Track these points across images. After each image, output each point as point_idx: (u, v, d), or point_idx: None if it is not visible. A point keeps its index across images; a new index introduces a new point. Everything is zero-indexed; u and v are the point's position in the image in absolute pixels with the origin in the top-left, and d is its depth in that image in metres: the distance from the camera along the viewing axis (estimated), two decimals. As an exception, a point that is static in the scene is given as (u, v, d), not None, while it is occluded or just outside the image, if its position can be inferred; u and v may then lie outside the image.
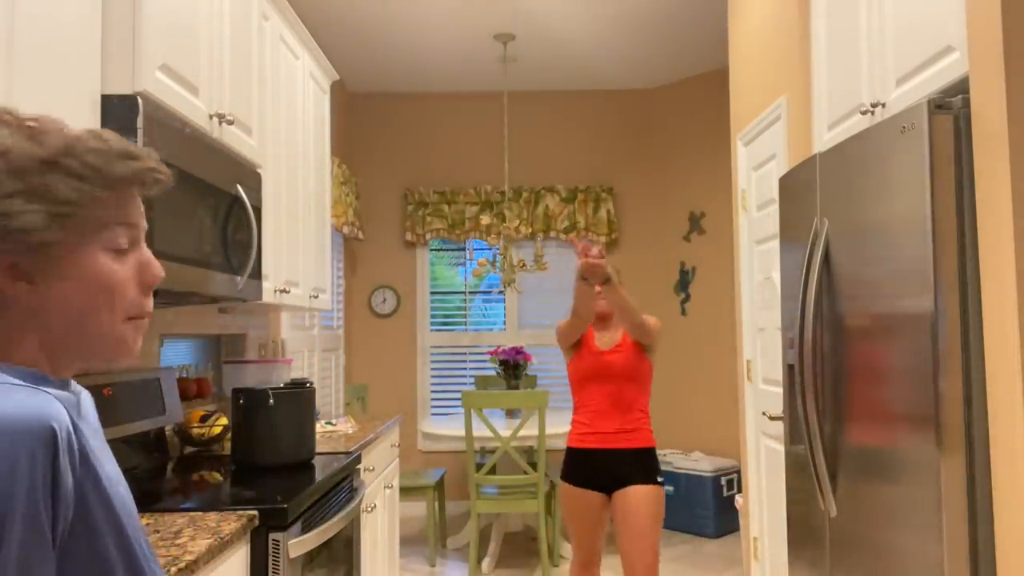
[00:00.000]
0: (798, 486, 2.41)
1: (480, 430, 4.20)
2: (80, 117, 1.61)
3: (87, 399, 0.90)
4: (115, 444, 2.09)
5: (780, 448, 2.93)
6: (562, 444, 5.75)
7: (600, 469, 2.75)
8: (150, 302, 0.86)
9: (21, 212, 0.75)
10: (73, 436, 0.74)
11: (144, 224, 0.86)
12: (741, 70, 3.55)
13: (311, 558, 2.01)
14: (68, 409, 0.77)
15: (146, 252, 0.86)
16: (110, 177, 0.80)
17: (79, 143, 0.79)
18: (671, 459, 5.15)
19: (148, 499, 1.89)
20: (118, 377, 2.17)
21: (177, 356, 2.79)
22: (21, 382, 0.77)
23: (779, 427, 2.94)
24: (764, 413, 3.01)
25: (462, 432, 4.20)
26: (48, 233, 0.77)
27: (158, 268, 0.86)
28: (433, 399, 5.89)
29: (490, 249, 5.83)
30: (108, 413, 2.08)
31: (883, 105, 2.10)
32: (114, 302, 0.81)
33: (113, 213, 0.81)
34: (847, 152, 2.06)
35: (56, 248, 0.78)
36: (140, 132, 1.70)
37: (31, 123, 0.79)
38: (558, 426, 4.30)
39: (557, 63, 5.36)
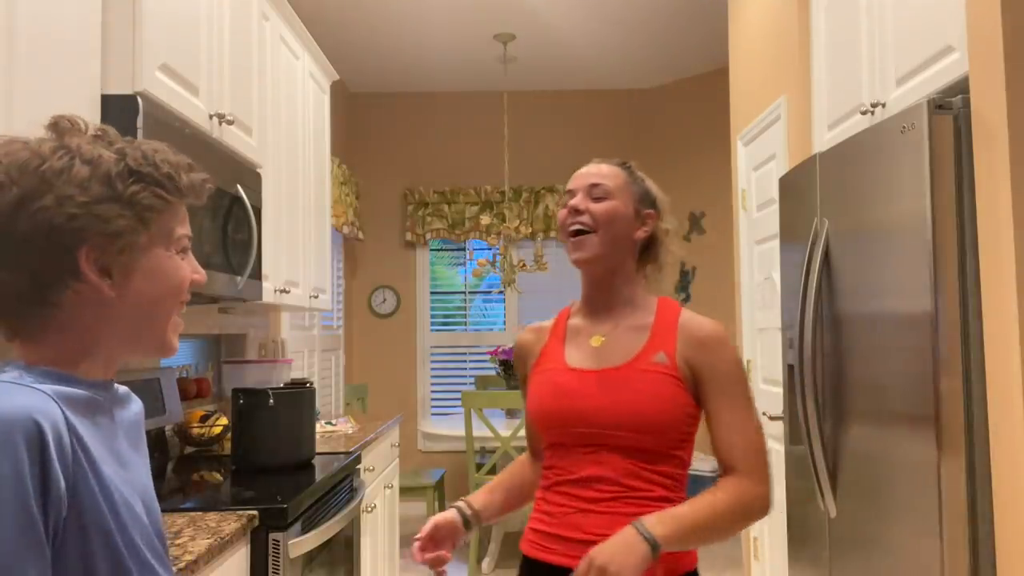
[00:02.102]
0: (798, 486, 2.41)
1: (480, 430, 4.20)
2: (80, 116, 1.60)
3: (127, 400, 0.95)
4: (115, 444, 2.09)
5: (780, 448, 2.92)
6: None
7: None
8: (190, 296, 0.94)
9: (115, 217, 0.82)
10: (66, 435, 0.74)
11: (191, 232, 0.94)
12: (741, 70, 3.55)
13: (311, 558, 2.01)
14: (72, 407, 0.78)
15: (193, 259, 0.94)
16: (180, 187, 0.88)
17: (154, 155, 0.87)
18: (671, 459, 5.14)
19: (148, 499, 1.89)
20: (118, 377, 2.17)
21: (177, 356, 2.79)
22: (29, 381, 0.78)
23: (779, 427, 2.94)
24: (764, 413, 3.01)
25: (462, 432, 4.20)
26: (135, 236, 0.84)
27: (203, 274, 0.94)
28: (433, 399, 5.89)
29: (490, 249, 5.82)
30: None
31: (883, 105, 2.10)
32: (180, 295, 0.90)
33: (177, 219, 0.90)
34: (847, 152, 2.06)
35: (137, 249, 0.85)
36: (140, 132, 1.70)
37: (99, 132, 0.88)
38: (558, 426, 4.29)
39: (557, 63, 5.35)
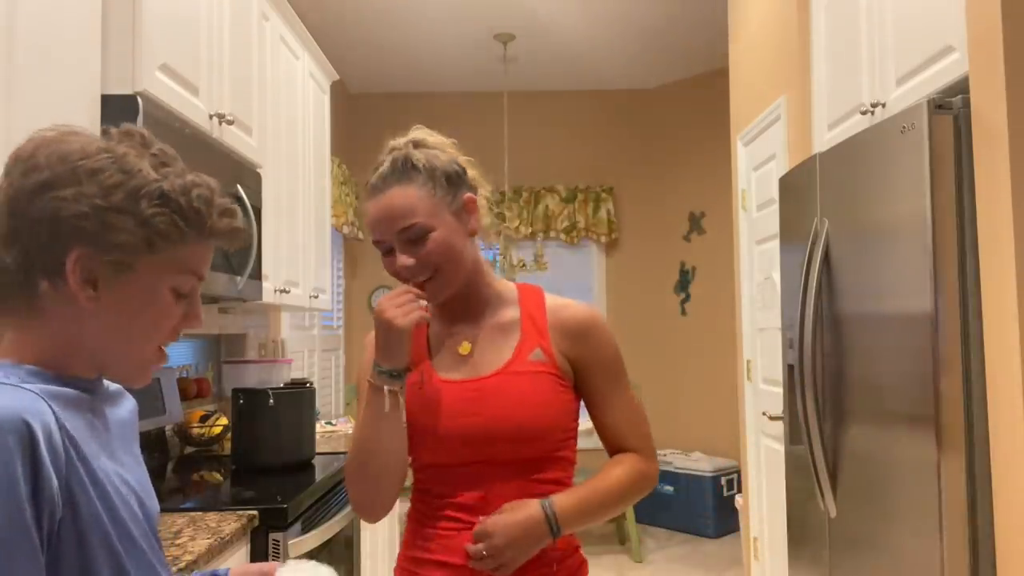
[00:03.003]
0: (798, 486, 2.41)
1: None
2: (80, 117, 1.61)
3: (119, 398, 0.96)
4: (115, 444, 2.09)
5: (780, 448, 2.92)
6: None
7: None
8: (177, 337, 0.90)
9: (122, 230, 0.81)
10: (56, 434, 0.74)
11: (206, 276, 0.91)
12: (741, 70, 3.55)
13: (311, 558, 2.00)
14: (62, 406, 0.78)
15: (197, 303, 0.90)
16: (207, 227, 0.86)
17: (194, 188, 0.85)
18: (671, 459, 5.15)
19: (148, 499, 1.89)
20: (118, 377, 2.17)
21: (177, 356, 2.79)
22: (16, 380, 0.78)
23: (779, 427, 2.93)
24: (764, 413, 3.01)
25: (462, 432, 4.19)
26: (133, 256, 0.82)
27: (198, 322, 0.90)
28: (433, 399, 5.88)
29: (490, 249, 5.82)
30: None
31: (883, 105, 2.10)
32: (152, 335, 0.86)
33: (192, 259, 0.87)
34: (847, 152, 2.06)
35: (132, 271, 0.83)
36: (140, 132, 1.70)
37: (158, 152, 0.86)
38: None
39: (557, 63, 5.35)
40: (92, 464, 0.79)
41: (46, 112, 1.49)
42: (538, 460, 1.23)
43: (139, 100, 1.72)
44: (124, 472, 0.86)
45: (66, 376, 0.84)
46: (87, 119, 1.64)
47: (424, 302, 1.18)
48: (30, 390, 0.76)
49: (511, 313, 1.28)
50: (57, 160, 0.81)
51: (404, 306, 1.16)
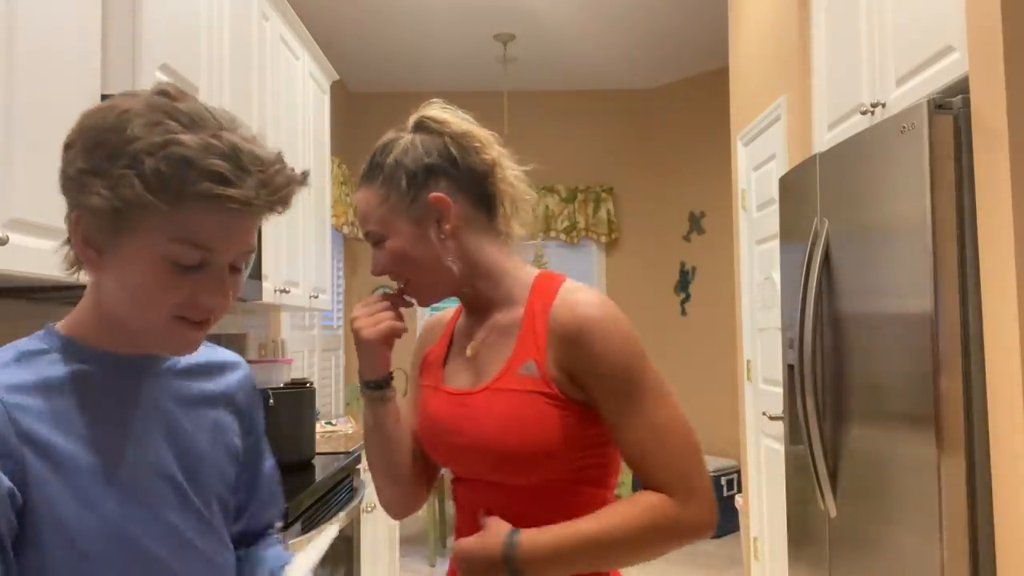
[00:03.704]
0: (798, 486, 2.41)
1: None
2: (80, 117, 1.61)
3: (207, 373, 0.96)
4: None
5: (780, 448, 2.92)
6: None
7: None
8: (205, 314, 0.84)
9: (91, 192, 0.78)
10: (4, 414, 0.77)
11: (238, 248, 0.83)
12: (741, 70, 3.55)
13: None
14: (26, 393, 0.79)
15: (215, 278, 0.82)
16: (176, 191, 0.77)
17: (171, 147, 0.77)
18: (671, 459, 5.14)
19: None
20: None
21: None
22: (24, 348, 0.83)
23: (779, 427, 2.93)
24: (764, 413, 3.01)
25: (462, 432, 4.19)
26: (105, 219, 0.79)
27: (210, 304, 0.83)
28: (433, 399, 5.88)
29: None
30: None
31: (883, 105, 2.10)
32: (155, 306, 0.82)
33: (189, 228, 0.79)
34: (847, 152, 2.06)
35: (122, 235, 0.80)
36: (140, 132, 1.70)
37: (173, 108, 0.80)
38: (558, 426, 4.29)
39: (557, 63, 5.35)
40: (55, 449, 0.79)
41: (46, 112, 1.49)
42: (542, 489, 1.05)
43: (139, 100, 1.71)
44: (137, 450, 0.85)
45: (86, 347, 0.86)
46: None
47: (399, 311, 1.13)
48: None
49: (515, 314, 1.10)
50: (77, 126, 0.83)
51: (375, 315, 1.10)
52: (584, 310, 1.04)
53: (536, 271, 1.14)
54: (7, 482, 0.75)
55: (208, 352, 1.00)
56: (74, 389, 0.83)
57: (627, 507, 1.00)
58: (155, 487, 0.86)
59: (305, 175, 0.87)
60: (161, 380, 0.91)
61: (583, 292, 1.07)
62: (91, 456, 0.82)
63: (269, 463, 1.08)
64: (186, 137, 0.77)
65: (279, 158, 0.83)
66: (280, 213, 0.85)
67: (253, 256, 0.88)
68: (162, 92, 0.82)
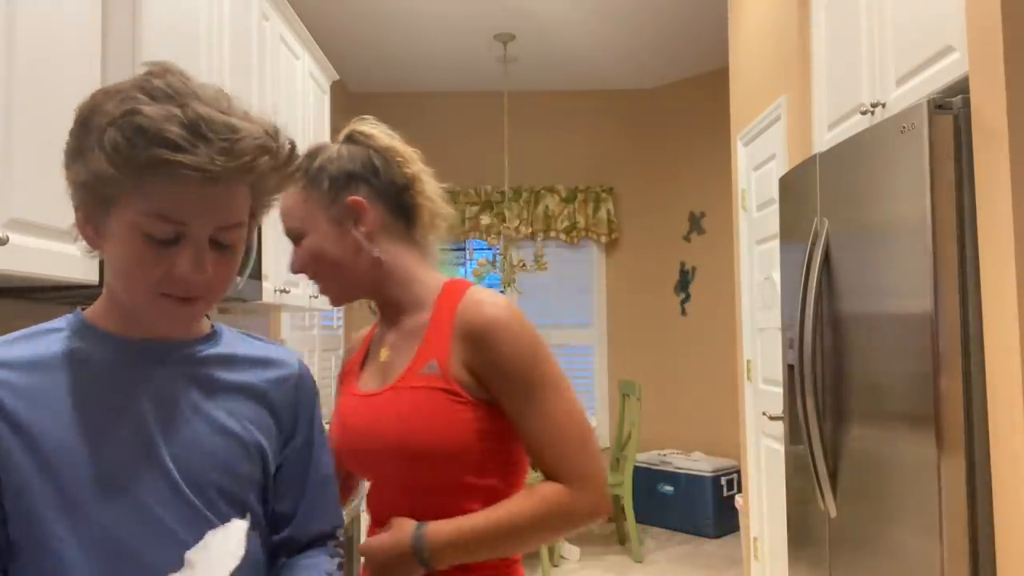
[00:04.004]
0: (798, 486, 2.41)
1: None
2: (80, 117, 1.61)
3: (210, 362, 0.93)
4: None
5: (780, 448, 2.92)
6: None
7: None
8: (185, 290, 0.83)
9: (71, 168, 0.82)
10: None
11: (213, 221, 0.82)
12: (741, 70, 3.55)
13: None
14: (18, 370, 0.82)
15: (192, 253, 0.81)
16: (133, 161, 0.77)
17: (127, 116, 0.77)
18: (671, 459, 5.15)
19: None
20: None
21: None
22: (43, 326, 0.88)
23: (779, 427, 2.94)
24: (764, 413, 3.01)
25: (462, 432, 4.19)
26: (88, 196, 0.82)
27: (185, 277, 0.82)
28: (433, 399, 5.88)
29: (490, 249, 5.83)
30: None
31: (883, 105, 2.10)
32: (138, 282, 0.82)
33: (157, 201, 0.79)
34: (847, 152, 2.06)
35: (109, 212, 0.81)
36: (140, 132, 1.70)
37: (151, 83, 0.80)
38: (558, 426, 4.29)
39: (557, 63, 5.35)
40: (25, 429, 0.81)
41: (46, 112, 1.49)
42: (442, 487, 1.08)
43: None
44: (128, 432, 0.85)
45: (97, 328, 0.88)
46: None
47: None
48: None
49: (423, 317, 1.16)
50: (76, 110, 0.84)
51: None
52: (490, 311, 1.10)
53: (445, 278, 1.20)
54: None
55: (257, 346, 0.99)
56: (66, 368, 0.84)
57: (524, 497, 1.07)
58: (137, 471, 0.84)
59: (291, 148, 0.87)
60: (177, 366, 0.90)
61: (488, 295, 1.13)
62: (69, 435, 0.82)
63: (320, 472, 1.01)
64: (148, 108, 0.78)
65: (258, 130, 0.82)
66: (248, 181, 0.84)
67: (242, 233, 0.86)
68: (148, 71, 0.83)
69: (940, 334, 1.67)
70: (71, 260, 1.56)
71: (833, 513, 2.14)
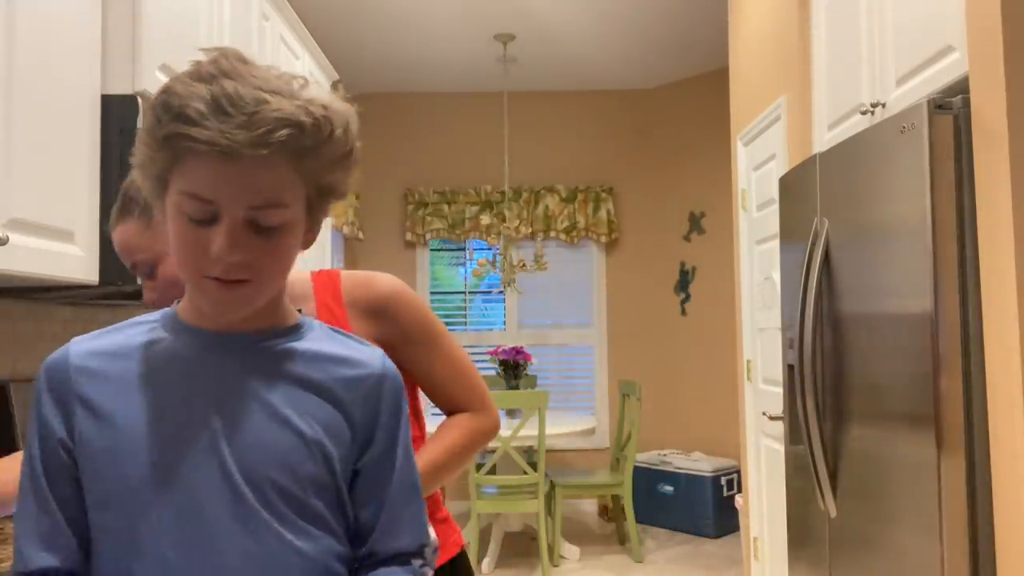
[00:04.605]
0: (798, 486, 2.41)
1: (480, 430, 4.19)
2: (80, 117, 1.60)
3: (282, 356, 0.90)
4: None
5: (780, 448, 2.93)
6: (562, 444, 5.76)
7: None
8: (225, 271, 0.82)
9: (134, 156, 0.84)
10: (57, 378, 0.86)
11: (242, 199, 0.80)
12: (741, 70, 3.55)
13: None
14: (97, 358, 0.87)
15: (222, 233, 0.80)
16: (156, 138, 0.79)
17: (160, 95, 0.79)
18: (671, 459, 5.15)
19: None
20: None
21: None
22: (140, 318, 0.92)
23: (779, 427, 2.94)
24: (764, 413, 3.01)
25: (462, 432, 4.19)
26: (144, 183, 0.85)
27: (218, 256, 0.80)
28: (433, 399, 5.88)
29: (490, 249, 5.83)
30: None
31: (883, 105, 2.10)
32: (185, 264, 0.83)
33: (180, 180, 0.80)
34: (847, 152, 2.06)
35: (160, 195, 0.84)
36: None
37: (206, 65, 0.80)
38: (558, 426, 4.30)
39: (557, 63, 5.35)
40: (94, 411, 0.85)
41: (46, 112, 1.49)
42: None
43: (139, 100, 1.72)
44: (191, 418, 0.85)
45: (184, 323, 0.90)
46: (87, 119, 1.63)
47: None
48: (71, 344, 0.89)
49: (308, 307, 1.22)
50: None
51: None
52: (382, 285, 1.24)
53: (308, 271, 1.29)
54: (60, 431, 0.85)
55: (342, 343, 0.95)
56: (143, 358, 0.88)
57: (453, 431, 1.26)
58: (195, 462, 0.83)
59: (333, 129, 0.83)
60: (250, 358, 0.88)
61: (365, 273, 1.25)
62: (138, 423, 0.84)
63: (404, 484, 0.95)
64: (181, 87, 0.78)
65: (288, 106, 0.79)
66: (269, 156, 0.79)
67: (286, 216, 0.82)
68: (206, 54, 0.82)
69: (940, 334, 1.67)
70: (71, 260, 1.56)
71: (833, 513, 2.14)
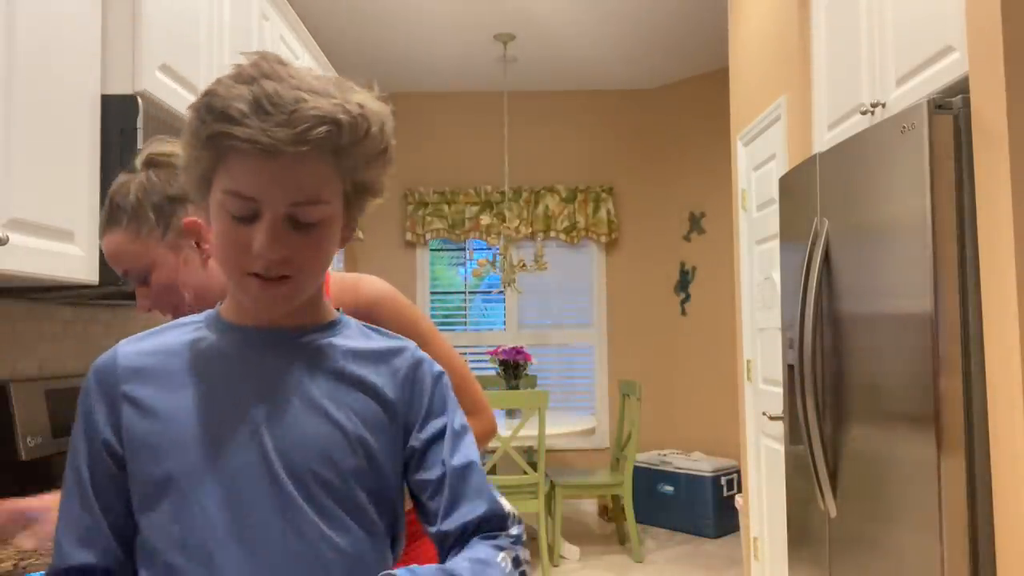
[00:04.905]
0: (798, 486, 2.41)
1: (480, 430, 4.19)
2: (80, 117, 1.61)
3: (312, 353, 0.91)
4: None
5: (780, 448, 2.93)
6: (562, 444, 5.76)
7: None
8: (266, 267, 0.83)
9: (185, 149, 0.86)
10: (106, 379, 0.88)
11: (282, 196, 0.81)
12: (741, 70, 3.55)
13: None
14: (144, 357, 0.89)
15: (262, 230, 0.82)
16: (199, 138, 0.82)
17: (207, 97, 0.81)
18: (671, 459, 5.15)
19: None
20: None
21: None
22: (187, 319, 0.94)
23: (779, 427, 2.94)
24: (764, 413, 3.01)
25: (462, 432, 4.19)
26: (189, 185, 0.87)
27: (259, 252, 0.82)
28: (433, 399, 5.88)
29: (490, 249, 5.82)
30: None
31: (883, 105, 2.10)
32: (224, 263, 0.85)
33: (223, 179, 0.82)
34: (847, 152, 2.06)
35: (203, 197, 0.86)
36: (140, 132, 1.70)
37: (244, 69, 0.82)
38: (558, 426, 4.30)
39: (557, 63, 5.35)
40: (140, 410, 0.87)
41: (46, 112, 1.49)
42: None
43: (139, 100, 1.72)
44: (235, 413, 0.86)
45: (219, 318, 0.92)
46: (87, 119, 1.63)
47: None
48: (119, 346, 0.91)
49: None
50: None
51: None
52: (368, 290, 1.24)
53: None
54: (106, 432, 0.87)
55: (376, 340, 0.97)
56: (188, 355, 0.90)
57: None
58: (238, 456, 0.85)
59: (370, 127, 0.84)
60: (291, 354, 0.90)
61: (351, 277, 1.24)
62: (183, 418, 0.86)
63: (458, 463, 0.94)
64: (223, 89, 0.81)
65: (326, 104, 0.81)
66: (308, 153, 0.81)
67: (326, 212, 0.85)
68: (246, 58, 0.85)
69: (940, 334, 1.67)
70: (71, 260, 1.56)
71: (833, 513, 2.14)
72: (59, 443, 1.86)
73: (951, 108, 1.69)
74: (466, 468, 0.94)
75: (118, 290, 1.73)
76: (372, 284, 1.24)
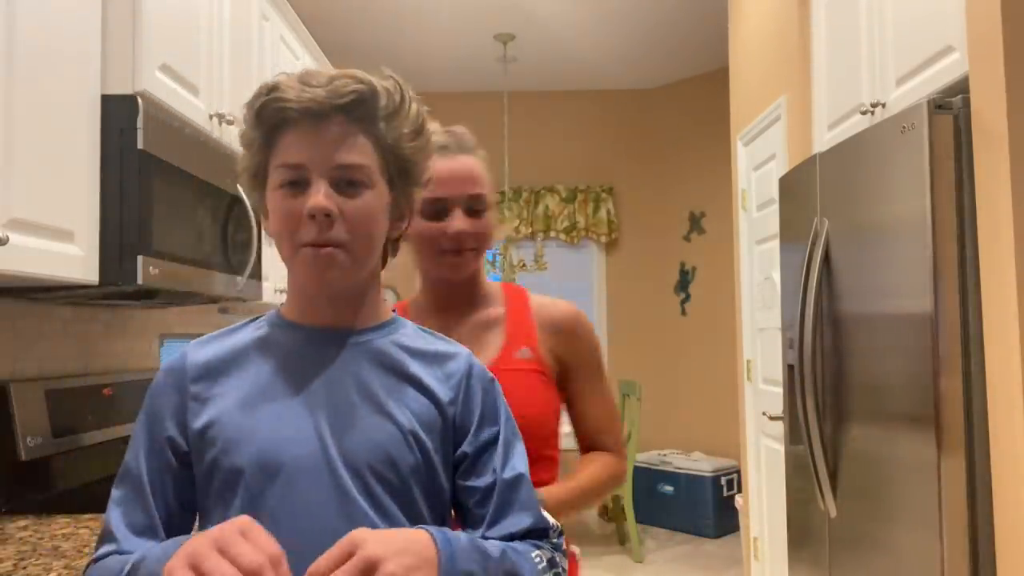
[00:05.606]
0: (798, 486, 2.41)
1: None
2: (80, 117, 1.61)
3: (372, 354, 0.94)
4: (116, 444, 2.09)
5: (780, 448, 2.93)
6: (562, 444, 5.74)
7: None
8: (315, 232, 0.87)
9: (241, 159, 0.94)
10: (174, 379, 0.92)
11: (324, 160, 0.88)
12: (741, 70, 3.55)
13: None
14: (211, 358, 0.93)
15: (309, 193, 0.88)
16: (254, 111, 0.89)
17: (258, 88, 0.90)
18: (671, 459, 5.15)
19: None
20: (118, 377, 2.17)
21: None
22: (252, 320, 0.98)
23: (779, 427, 2.94)
24: (764, 413, 3.01)
25: (462, 432, 4.19)
26: (244, 179, 0.94)
27: (312, 222, 0.87)
28: (433, 399, 5.88)
29: (490, 249, 5.82)
30: (108, 413, 2.08)
31: (883, 105, 2.10)
32: (284, 233, 0.89)
33: (275, 156, 0.89)
34: (847, 152, 2.06)
35: (261, 189, 0.92)
36: (140, 132, 1.70)
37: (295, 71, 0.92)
38: (558, 426, 4.29)
39: (557, 63, 5.35)
40: (208, 410, 0.90)
41: (46, 112, 1.49)
42: (530, 458, 1.07)
43: (139, 100, 1.72)
44: (297, 407, 0.89)
45: (281, 318, 0.96)
46: (87, 119, 1.63)
47: None
48: (186, 349, 0.95)
49: (496, 311, 1.29)
50: None
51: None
52: (567, 308, 1.32)
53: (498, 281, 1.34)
54: (171, 429, 0.90)
55: (431, 341, 0.99)
56: (251, 354, 0.94)
57: (590, 464, 1.29)
58: (299, 452, 0.87)
59: (403, 101, 0.93)
60: (349, 351, 0.93)
61: (553, 297, 1.33)
62: (245, 412, 0.89)
63: (508, 474, 0.95)
64: (271, 79, 0.90)
65: (365, 77, 0.92)
66: (348, 119, 0.89)
67: (368, 177, 0.90)
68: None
69: (940, 334, 1.67)
70: (71, 260, 1.56)
71: (833, 513, 2.14)
72: (59, 443, 1.86)
73: (951, 108, 1.69)
74: (516, 480, 0.96)
75: (118, 290, 1.73)
76: (570, 304, 1.32)
